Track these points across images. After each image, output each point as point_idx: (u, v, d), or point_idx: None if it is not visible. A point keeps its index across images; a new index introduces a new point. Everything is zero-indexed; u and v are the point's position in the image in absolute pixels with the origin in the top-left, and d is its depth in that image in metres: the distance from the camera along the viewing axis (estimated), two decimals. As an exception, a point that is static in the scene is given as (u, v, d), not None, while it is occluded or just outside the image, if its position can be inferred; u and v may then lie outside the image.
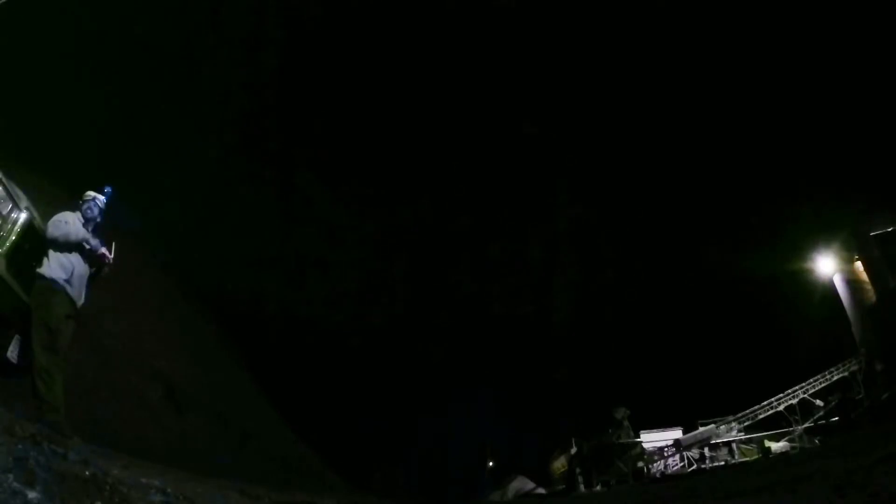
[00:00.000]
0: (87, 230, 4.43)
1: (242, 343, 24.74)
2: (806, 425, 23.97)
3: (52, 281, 4.12)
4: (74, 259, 4.27)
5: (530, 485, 28.42)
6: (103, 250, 4.45)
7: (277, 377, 26.47)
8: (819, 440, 21.44)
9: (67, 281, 4.19)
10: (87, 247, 4.35)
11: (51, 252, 4.20)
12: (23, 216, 3.97)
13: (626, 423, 27.79)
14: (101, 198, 4.62)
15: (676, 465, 25.22)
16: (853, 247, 24.41)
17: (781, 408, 24.76)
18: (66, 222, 4.26)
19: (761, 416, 25.23)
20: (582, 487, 26.05)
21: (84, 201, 4.58)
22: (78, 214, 4.46)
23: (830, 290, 25.77)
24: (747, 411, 25.46)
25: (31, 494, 1.39)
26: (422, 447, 42.70)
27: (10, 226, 3.87)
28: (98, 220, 4.60)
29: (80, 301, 4.36)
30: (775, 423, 24.91)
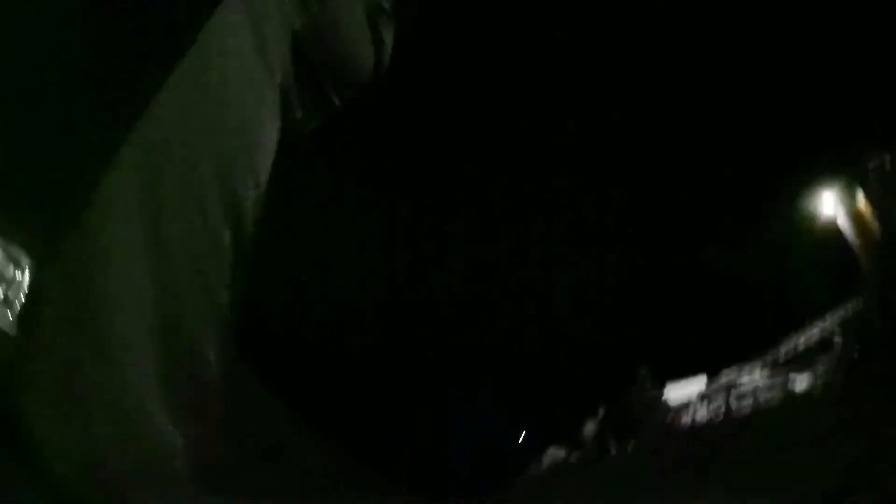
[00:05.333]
0: None
1: (242, 343, 24.89)
2: (828, 364, 23.82)
3: None
4: None
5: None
6: None
7: (277, 377, 26.67)
8: (844, 376, 21.30)
9: None
10: None
11: None
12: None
13: (648, 383, 27.81)
14: None
15: (704, 417, 25.21)
16: (856, 184, 23.91)
17: (802, 347, 24.58)
18: None
19: (784, 358, 25.09)
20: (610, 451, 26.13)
21: None
22: None
23: (835, 230, 25.31)
24: (768, 354, 25.29)
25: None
26: (421, 447, 42.89)
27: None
28: None
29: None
30: (799, 363, 24.76)
